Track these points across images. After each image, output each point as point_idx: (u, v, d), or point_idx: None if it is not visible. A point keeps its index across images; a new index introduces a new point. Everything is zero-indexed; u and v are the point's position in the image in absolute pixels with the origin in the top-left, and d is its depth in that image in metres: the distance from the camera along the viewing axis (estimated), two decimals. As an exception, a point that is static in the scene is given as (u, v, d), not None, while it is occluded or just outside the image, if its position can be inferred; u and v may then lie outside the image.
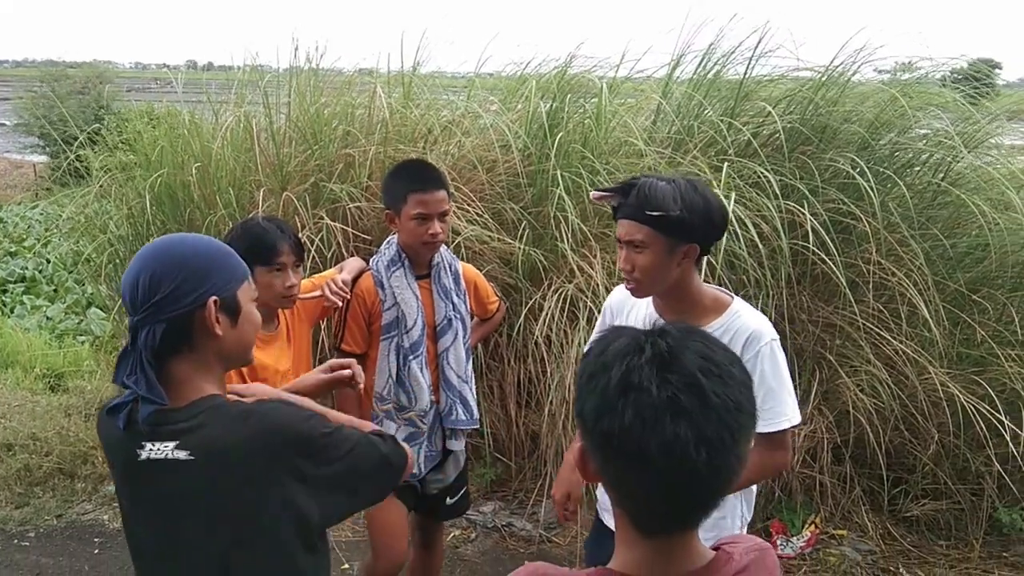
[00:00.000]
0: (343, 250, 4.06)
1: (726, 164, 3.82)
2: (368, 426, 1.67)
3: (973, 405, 3.58)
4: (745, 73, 4.46)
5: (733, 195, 3.62)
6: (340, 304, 2.55)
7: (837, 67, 4.47)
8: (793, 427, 1.96)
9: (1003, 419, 3.52)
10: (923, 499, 3.95)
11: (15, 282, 8.75)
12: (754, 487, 2.22)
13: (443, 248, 2.70)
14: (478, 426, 2.82)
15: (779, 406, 1.94)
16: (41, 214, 10.95)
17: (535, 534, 3.92)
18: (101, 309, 7.19)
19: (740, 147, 4.21)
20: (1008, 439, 3.49)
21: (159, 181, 4.73)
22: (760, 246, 3.61)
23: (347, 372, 1.86)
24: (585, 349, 2.53)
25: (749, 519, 2.24)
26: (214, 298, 1.42)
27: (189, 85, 5.96)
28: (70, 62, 18.41)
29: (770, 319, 3.57)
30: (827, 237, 3.68)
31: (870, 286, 3.84)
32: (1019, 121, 5.20)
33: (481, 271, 3.09)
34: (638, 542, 1.05)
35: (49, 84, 15.43)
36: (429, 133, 4.76)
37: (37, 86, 15.75)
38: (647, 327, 1.07)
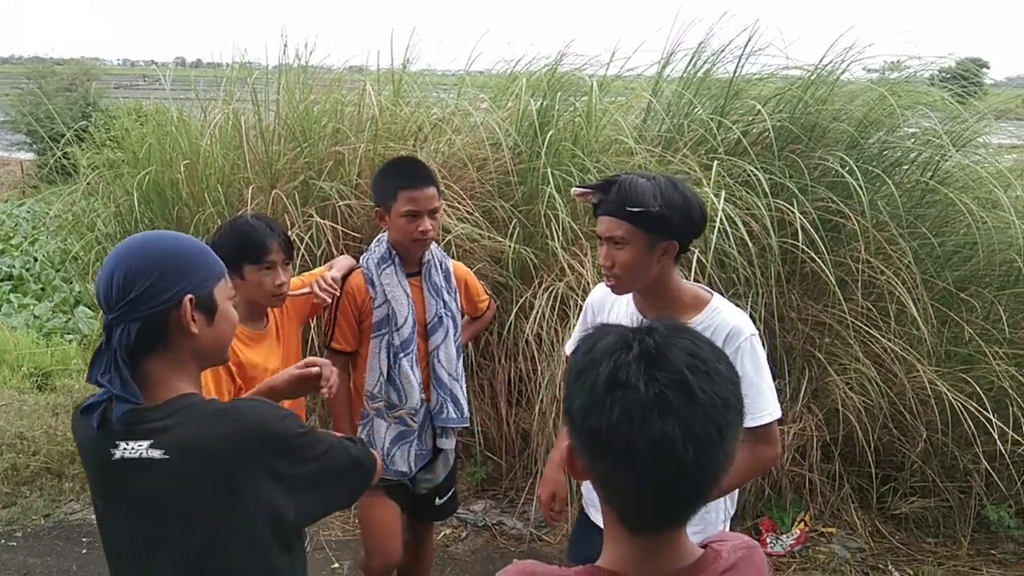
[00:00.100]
0: (333, 248, 4.04)
1: (716, 162, 3.82)
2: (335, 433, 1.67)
3: (961, 403, 3.60)
4: (735, 72, 4.47)
5: (723, 193, 3.62)
6: (329, 301, 2.55)
7: (826, 66, 4.48)
8: (776, 420, 1.98)
9: (991, 417, 3.54)
10: (912, 497, 3.97)
11: (2, 280, 8.68)
12: None
13: (433, 246, 2.69)
14: (468, 424, 2.82)
15: (761, 400, 1.96)
16: (28, 212, 10.88)
17: (526, 532, 3.92)
18: (89, 308, 7.15)
19: (730, 145, 4.22)
20: (996, 437, 3.51)
21: (147, 179, 4.71)
22: (750, 244, 3.62)
23: (314, 370, 1.79)
24: (566, 347, 2.54)
25: (732, 512, 2.26)
26: (190, 296, 1.41)
27: (177, 82, 5.93)
28: (57, 59, 18.30)
29: (760, 317, 3.63)
30: (816, 235, 3.69)
31: (859, 284, 3.85)
32: (1007, 120, 5.23)
33: (471, 269, 3.08)
34: (626, 539, 1.05)
35: (36, 81, 15.32)
36: (419, 131, 4.75)
37: (24, 83, 15.64)
38: (628, 324, 1.07)
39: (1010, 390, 3.63)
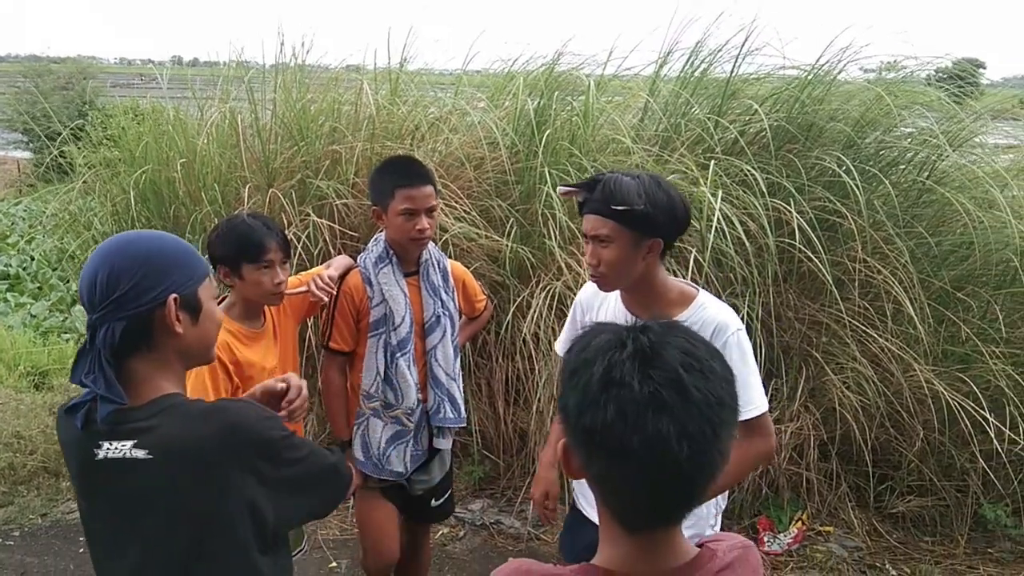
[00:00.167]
0: (330, 247, 4.04)
1: (713, 162, 3.82)
2: None
3: (958, 402, 3.60)
4: (732, 71, 4.47)
5: (720, 193, 3.63)
6: (326, 300, 2.54)
7: (823, 66, 4.49)
8: (765, 412, 2.00)
9: (987, 416, 3.54)
10: (909, 496, 3.97)
11: (-1, 279, 8.67)
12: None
13: (431, 245, 2.69)
14: (466, 424, 2.81)
15: (750, 393, 1.98)
16: (25, 211, 10.85)
17: (523, 531, 3.92)
18: (86, 307, 7.12)
19: (727, 145, 4.22)
20: (992, 436, 3.51)
21: (144, 177, 4.70)
22: (747, 244, 3.62)
23: (280, 387, 1.75)
24: (556, 346, 2.55)
25: (724, 506, 2.28)
26: (174, 296, 1.40)
27: (174, 81, 5.93)
28: (54, 57, 18.26)
29: (757, 317, 3.64)
30: (813, 235, 3.70)
31: (856, 284, 3.86)
32: (1003, 120, 5.24)
33: (469, 268, 3.08)
34: (622, 538, 1.05)
35: (32, 80, 15.28)
36: (416, 130, 4.75)
37: (20, 81, 15.60)
38: (616, 322, 1.07)
39: (1007, 389, 3.64)
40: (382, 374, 2.61)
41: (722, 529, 3.64)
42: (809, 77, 4.45)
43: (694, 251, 3.61)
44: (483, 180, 4.33)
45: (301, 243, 4.01)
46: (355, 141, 4.38)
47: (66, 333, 6.72)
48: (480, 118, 4.51)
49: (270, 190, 4.30)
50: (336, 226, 4.10)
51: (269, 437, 1.43)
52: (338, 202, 4.16)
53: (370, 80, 4.87)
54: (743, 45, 4.44)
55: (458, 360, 2.77)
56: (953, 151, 4.28)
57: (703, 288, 2.14)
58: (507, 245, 3.96)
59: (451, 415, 2.72)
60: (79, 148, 5.75)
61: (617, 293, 2.15)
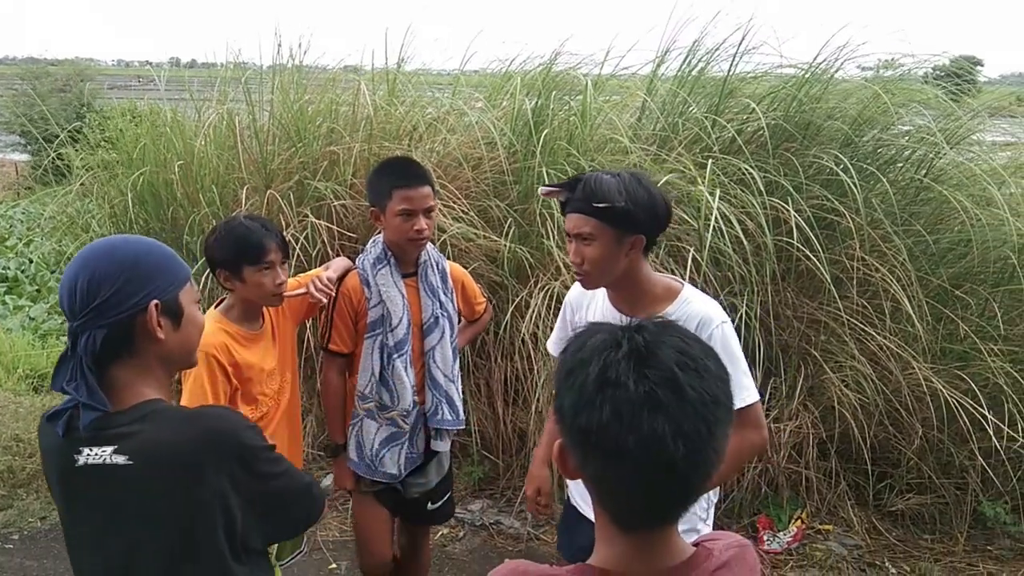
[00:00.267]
0: (328, 248, 4.04)
1: (711, 161, 3.83)
2: None
3: (956, 400, 3.60)
4: (729, 70, 4.48)
5: (718, 192, 3.63)
6: (325, 301, 2.54)
7: (820, 64, 4.49)
8: (755, 403, 2.00)
9: (986, 413, 3.55)
10: (908, 493, 3.98)
11: (-3, 282, 8.65)
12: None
13: (430, 246, 2.68)
14: (464, 426, 2.81)
15: (736, 385, 1.97)
16: (23, 213, 10.83)
17: (523, 532, 3.92)
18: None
19: (725, 144, 4.22)
20: (991, 433, 3.51)
21: (141, 179, 4.71)
22: (745, 243, 3.62)
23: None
24: (548, 345, 2.57)
25: (715, 500, 2.30)
26: (155, 302, 1.40)
27: (172, 82, 5.93)
28: (51, 59, 18.24)
29: (755, 315, 3.64)
30: (811, 233, 3.70)
31: (854, 282, 3.86)
32: (1000, 117, 5.24)
33: (467, 269, 3.08)
34: (618, 538, 1.05)
35: (30, 82, 15.26)
36: (414, 130, 4.75)
37: (18, 84, 15.59)
38: (604, 320, 1.08)
39: (1005, 386, 3.64)
40: (377, 375, 2.60)
41: (721, 527, 3.64)
42: (806, 75, 4.45)
43: (692, 250, 3.62)
44: (481, 180, 4.33)
45: (299, 244, 4.00)
46: (353, 142, 4.38)
47: (65, 336, 6.71)
48: (478, 118, 4.51)
49: (268, 191, 4.30)
50: (334, 227, 4.10)
51: (252, 446, 1.42)
52: (336, 203, 4.16)
53: (367, 81, 4.87)
54: (740, 44, 4.45)
55: (457, 362, 2.76)
56: (951, 149, 4.28)
57: (701, 285, 2.15)
58: (505, 245, 3.96)
59: (449, 417, 2.71)
60: (77, 150, 5.75)
61: (604, 291, 2.17)
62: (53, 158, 6.00)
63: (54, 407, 1.41)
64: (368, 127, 4.50)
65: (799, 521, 3.82)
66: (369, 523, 2.80)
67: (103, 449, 1.35)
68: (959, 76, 5.19)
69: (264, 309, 2.47)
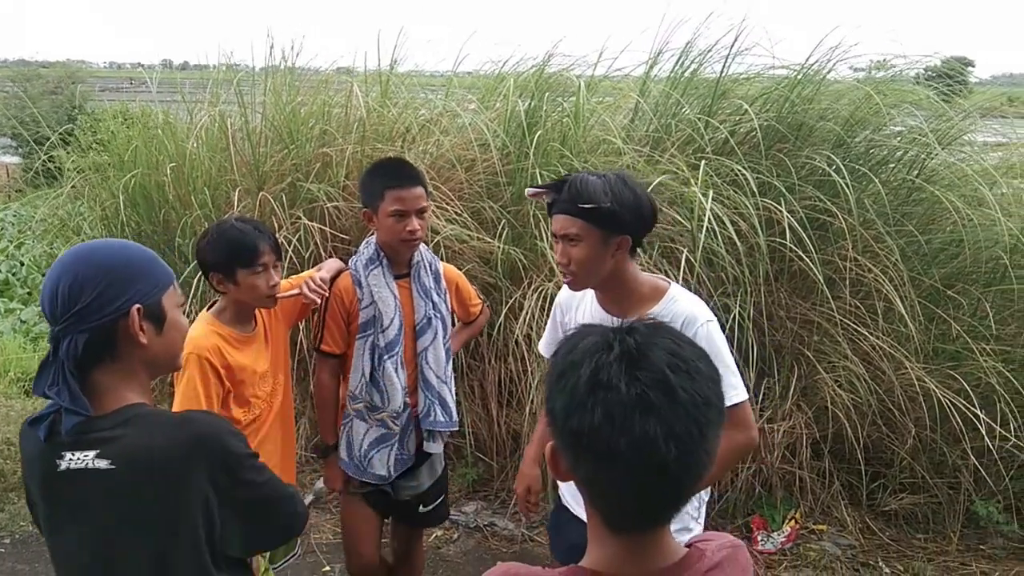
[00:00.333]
0: (321, 250, 4.03)
1: (704, 162, 3.83)
2: None
3: (949, 399, 3.61)
4: (722, 71, 4.49)
5: (711, 193, 3.63)
6: (319, 302, 2.54)
7: (812, 65, 4.50)
8: (743, 402, 2.00)
9: (979, 413, 3.56)
10: (901, 493, 3.98)
11: (-12, 285, 8.61)
12: None
13: (423, 247, 2.68)
14: (457, 428, 2.80)
15: (723, 384, 1.98)
16: (14, 216, 10.78)
17: (517, 533, 3.91)
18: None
19: (717, 145, 4.23)
20: (984, 433, 3.53)
21: (133, 182, 4.69)
22: (738, 243, 3.63)
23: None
24: (539, 346, 2.58)
25: (707, 499, 2.31)
26: (137, 306, 1.39)
27: (164, 84, 5.92)
28: (42, 61, 18.17)
29: (748, 316, 3.64)
30: (804, 234, 3.70)
31: (847, 282, 3.87)
32: (992, 118, 5.26)
33: (461, 270, 3.07)
34: (609, 540, 1.05)
35: (21, 84, 15.20)
36: (407, 132, 4.74)
37: (9, 86, 15.53)
38: (593, 321, 1.08)
39: (997, 386, 3.65)
40: (367, 376, 2.60)
41: (715, 528, 3.65)
42: (799, 77, 4.46)
43: (685, 251, 3.62)
44: (474, 182, 4.32)
45: (292, 246, 4.00)
46: (346, 144, 4.38)
47: (56, 339, 6.68)
48: (471, 120, 4.51)
49: (260, 193, 4.29)
50: (327, 229, 4.09)
51: (237, 452, 1.42)
52: (329, 205, 4.16)
53: (360, 82, 4.86)
54: (733, 45, 4.47)
55: (450, 363, 2.75)
56: (942, 149, 4.30)
57: (694, 286, 2.15)
58: (499, 247, 3.96)
59: (442, 418, 2.70)
60: (68, 153, 5.73)
61: (593, 293, 2.18)
62: (44, 161, 5.97)
63: (36, 412, 1.40)
64: (361, 129, 4.49)
65: (793, 521, 3.83)
66: (356, 524, 2.80)
67: (85, 453, 1.34)
68: (950, 77, 5.22)
69: (256, 311, 2.46)
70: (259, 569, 2.32)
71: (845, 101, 4.56)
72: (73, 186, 5.23)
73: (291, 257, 3.93)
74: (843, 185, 3.79)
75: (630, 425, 0.93)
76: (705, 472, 0.99)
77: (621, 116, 4.85)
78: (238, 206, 4.23)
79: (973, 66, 6.86)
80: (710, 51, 4.60)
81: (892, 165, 4.47)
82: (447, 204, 4.11)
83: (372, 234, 2.66)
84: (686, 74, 4.66)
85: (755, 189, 3.77)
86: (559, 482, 2.46)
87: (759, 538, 3.77)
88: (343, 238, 4.16)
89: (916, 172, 4.27)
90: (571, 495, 2.34)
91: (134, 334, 1.38)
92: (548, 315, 3.75)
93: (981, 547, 3.83)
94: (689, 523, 2.15)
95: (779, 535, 3.78)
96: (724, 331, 3.48)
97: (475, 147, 4.35)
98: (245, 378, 2.34)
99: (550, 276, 3.84)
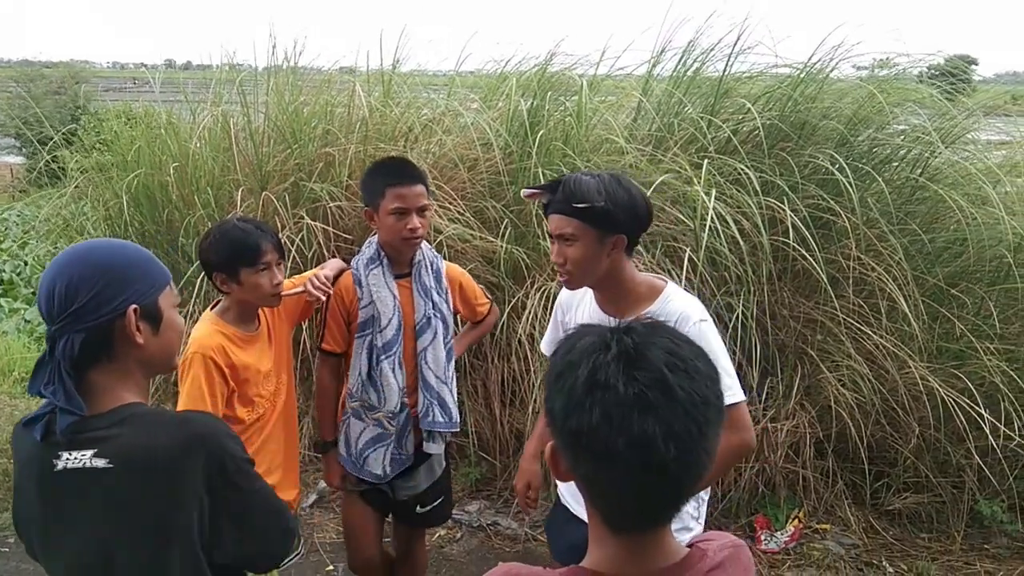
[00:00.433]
0: (324, 250, 4.03)
1: (706, 161, 3.83)
2: None
3: (953, 399, 3.61)
4: (724, 70, 4.48)
5: (713, 192, 3.63)
6: (324, 299, 2.54)
7: (815, 64, 4.49)
8: (739, 403, 1.97)
9: (983, 412, 3.55)
10: (905, 492, 3.98)
11: (-8, 285, 8.63)
12: None
13: (425, 246, 2.67)
14: (458, 429, 2.80)
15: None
16: (18, 216, 10.81)
17: (520, 532, 3.91)
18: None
19: (720, 144, 4.23)
20: (988, 432, 3.52)
21: (136, 181, 4.70)
22: (741, 242, 3.62)
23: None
24: (541, 345, 2.58)
25: (707, 499, 2.31)
26: (134, 306, 1.38)
27: (167, 84, 5.92)
28: (46, 62, 18.22)
29: (752, 315, 3.64)
30: (807, 233, 3.70)
31: (850, 281, 3.86)
32: (995, 116, 5.25)
33: (464, 270, 3.07)
34: (610, 540, 1.05)
35: (24, 84, 15.24)
36: (409, 131, 4.74)
37: (12, 86, 15.56)
38: (591, 321, 1.08)
39: (1001, 385, 3.64)
40: (364, 375, 2.60)
41: (719, 527, 3.65)
42: (801, 75, 4.46)
43: (688, 250, 3.62)
44: (477, 181, 4.32)
45: (295, 246, 4.00)
46: (348, 143, 4.38)
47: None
48: (473, 119, 4.51)
49: (263, 193, 4.30)
50: (330, 229, 4.09)
51: (233, 454, 1.41)
52: (332, 204, 4.16)
53: (363, 82, 4.87)
54: (735, 44, 4.46)
55: (451, 363, 2.74)
56: (946, 148, 4.29)
57: (697, 285, 2.15)
58: (501, 246, 3.96)
59: (441, 419, 2.68)
60: (71, 153, 5.74)
61: (592, 292, 2.19)
62: (48, 161, 5.98)
63: (30, 413, 1.40)
64: (363, 128, 4.50)
65: (796, 521, 3.82)
66: (356, 522, 2.81)
67: (83, 453, 1.34)
68: (954, 75, 5.20)
69: (260, 311, 2.47)
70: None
71: (848, 100, 4.55)
72: (76, 186, 5.24)
73: (294, 257, 3.93)
74: (846, 184, 3.78)
75: (628, 425, 0.93)
76: (705, 471, 0.99)
77: (624, 115, 4.85)
78: (241, 206, 4.23)
79: (976, 64, 6.84)
80: (713, 50, 4.61)
81: (895, 164, 4.46)
82: (450, 203, 4.11)
83: (374, 234, 2.66)
84: (689, 73, 4.65)
85: (758, 188, 3.77)
86: (558, 482, 2.47)
87: (763, 537, 3.77)
88: (346, 238, 4.17)
89: (920, 171, 4.26)
90: (570, 494, 2.34)
91: (131, 334, 1.38)
92: (550, 314, 3.76)
93: (985, 546, 3.82)
94: (689, 523, 2.15)
95: (783, 534, 3.77)
96: (727, 330, 3.51)
97: (478, 146, 4.35)
98: (249, 377, 2.35)
99: (552, 275, 3.84)
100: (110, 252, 1.43)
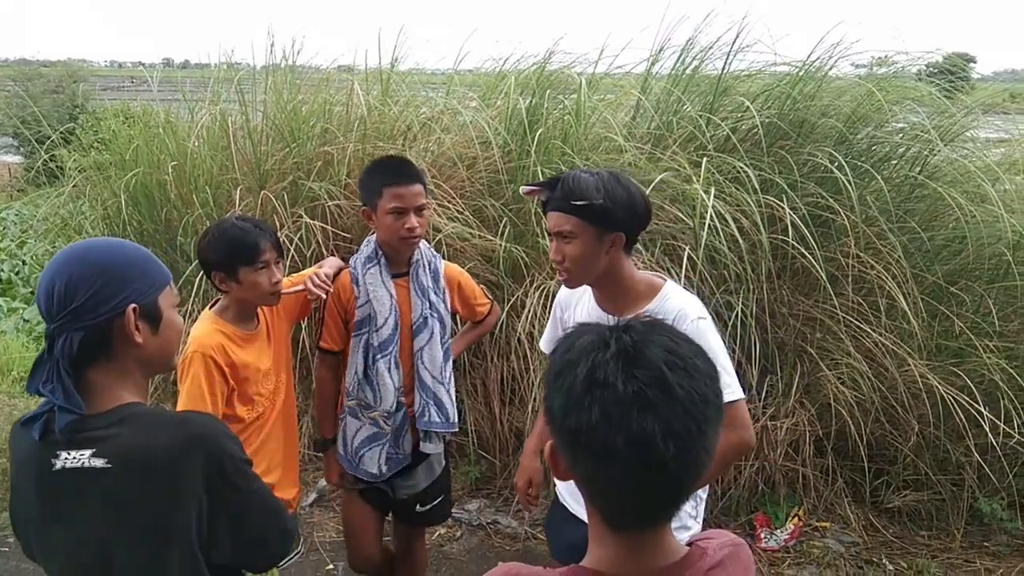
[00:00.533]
0: (323, 249, 4.03)
1: (705, 159, 3.82)
2: None
3: (952, 396, 3.61)
4: (723, 68, 4.48)
5: (712, 190, 3.62)
6: (324, 296, 2.53)
7: (814, 62, 4.49)
8: (737, 400, 1.96)
9: (982, 410, 3.55)
10: (904, 490, 3.98)
11: (-10, 284, 8.62)
12: None
13: (424, 245, 2.67)
14: (455, 429, 2.79)
15: None
16: (16, 215, 10.80)
17: (520, 531, 3.91)
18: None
19: (719, 142, 4.22)
20: (987, 430, 3.52)
21: (134, 180, 4.69)
22: (740, 241, 3.62)
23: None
24: (540, 343, 2.58)
25: (705, 497, 2.30)
26: (133, 306, 1.38)
27: (165, 83, 5.92)
28: (43, 61, 18.19)
29: (751, 313, 3.64)
30: (806, 231, 3.70)
31: (849, 279, 3.86)
32: (994, 114, 5.25)
33: (463, 268, 3.06)
34: (610, 539, 1.04)
35: (22, 83, 15.22)
36: (408, 130, 4.74)
37: (10, 85, 15.54)
38: (590, 319, 1.08)
39: (1000, 383, 3.64)
40: (360, 374, 2.60)
41: (718, 526, 3.65)
42: (800, 73, 4.45)
43: (688, 248, 3.61)
44: (476, 180, 4.32)
45: (294, 245, 4.00)
46: (347, 142, 4.37)
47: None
48: (472, 118, 4.51)
49: (262, 192, 4.29)
50: (328, 227, 4.09)
51: (231, 454, 1.41)
52: (330, 203, 4.15)
53: (361, 80, 4.86)
54: (734, 42, 4.46)
55: (449, 363, 2.73)
56: (944, 146, 4.29)
57: (696, 283, 2.15)
58: (501, 245, 3.95)
59: (437, 419, 2.67)
60: (69, 152, 5.73)
61: (591, 290, 2.19)
62: (46, 160, 5.97)
63: (28, 412, 1.39)
64: (362, 127, 4.49)
65: (796, 519, 3.82)
66: (356, 521, 2.82)
67: (81, 452, 1.34)
68: (952, 73, 5.20)
69: (259, 309, 2.46)
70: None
71: (847, 98, 4.54)
72: (75, 185, 5.24)
73: (293, 256, 3.93)
74: (845, 182, 3.78)
75: (627, 423, 0.93)
76: (704, 470, 0.99)
77: (622, 113, 4.85)
78: (240, 205, 4.22)
79: (975, 62, 6.84)
80: (711, 48, 4.60)
81: (894, 162, 4.46)
82: (448, 202, 4.11)
83: (373, 233, 2.66)
84: (687, 71, 4.65)
85: (757, 186, 3.77)
86: (557, 480, 2.47)
87: (762, 535, 3.77)
88: (345, 236, 4.16)
89: (918, 169, 4.26)
90: (568, 493, 2.34)
91: (129, 333, 1.38)
92: (550, 313, 3.76)
93: (985, 544, 3.83)
94: (687, 521, 2.15)
95: (782, 532, 3.77)
96: (727, 329, 3.51)
97: (476, 145, 4.35)
98: (249, 376, 2.35)
99: (552, 274, 3.83)
100: (109, 251, 1.43)
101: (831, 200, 3.90)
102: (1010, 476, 3.77)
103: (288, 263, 3.73)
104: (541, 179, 3.84)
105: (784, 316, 4.01)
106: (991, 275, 4.06)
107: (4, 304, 7.85)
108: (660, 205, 3.80)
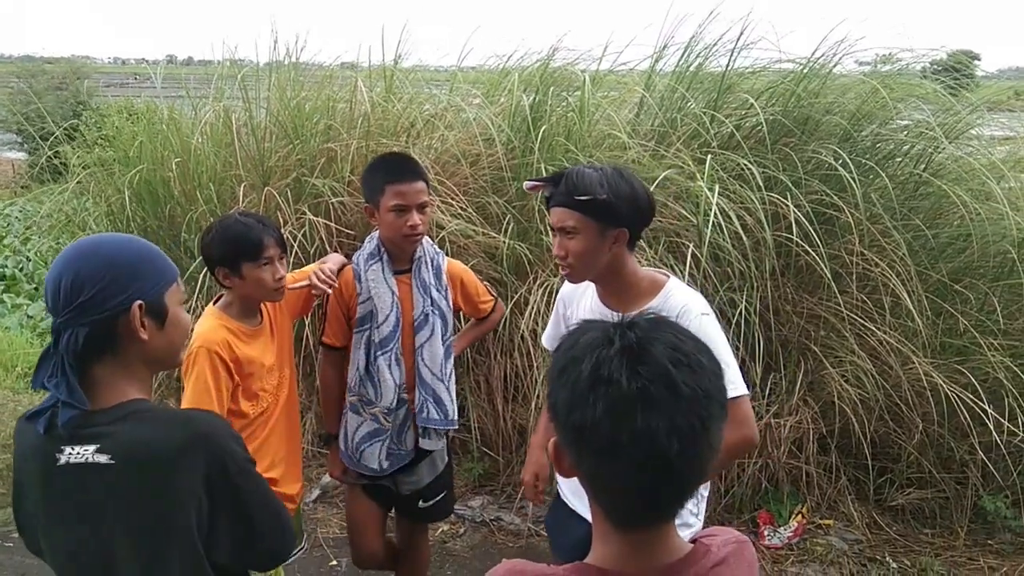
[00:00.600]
0: (326, 246, 4.03)
1: (709, 156, 3.82)
2: None
3: (956, 394, 3.60)
4: (727, 65, 4.47)
5: (717, 187, 3.62)
6: (329, 291, 2.54)
7: (818, 59, 4.48)
8: (741, 396, 1.94)
9: (986, 408, 3.54)
10: (908, 488, 3.97)
11: (-5, 281, 8.64)
12: None
13: (427, 242, 2.67)
14: (455, 427, 2.79)
15: None
16: (20, 211, 10.82)
17: (524, 528, 3.91)
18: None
19: (723, 139, 4.22)
20: (991, 428, 3.51)
21: (138, 177, 4.70)
22: (744, 238, 3.62)
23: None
24: (543, 340, 2.57)
25: (706, 495, 2.30)
26: (139, 302, 1.38)
27: (168, 80, 5.92)
28: (47, 57, 18.20)
29: (755, 311, 3.64)
30: (810, 228, 3.69)
31: (853, 277, 3.85)
32: (999, 112, 5.24)
33: (466, 265, 3.06)
34: (614, 536, 1.04)
35: (26, 80, 15.22)
36: (412, 127, 4.74)
37: (14, 82, 15.55)
38: (592, 316, 1.07)
39: (1005, 381, 3.64)
40: (362, 370, 2.61)
41: (722, 523, 3.64)
42: (804, 71, 4.44)
43: (692, 246, 3.61)
44: (479, 177, 4.32)
45: (297, 241, 4.00)
46: (350, 139, 4.37)
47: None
48: (475, 114, 4.51)
49: (265, 188, 4.30)
50: (332, 224, 4.09)
51: (234, 454, 1.41)
52: (334, 200, 4.16)
53: (365, 77, 4.86)
54: (738, 39, 4.45)
55: (450, 361, 2.72)
56: (949, 143, 4.28)
57: (700, 281, 2.14)
58: (504, 242, 3.95)
59: (436, 416, 2.67)
60: (73, 148, 5.74)
61: (594, 286, 2.18)
62: (50, 156, 5.98)
63: (33, 407, 1.40)
64: (365, 124, 4.49)
65: (800, 516, 3.82)
66: (359, 516, 2.83)
67: (85, 448, 1.34)
68: (957, 71, 5.19)
69: (262, 305, 2.47)
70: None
71: (851, 95, 4.53)
72: (78, 181, 5.24)
73: (296, 252, 3.93)
74: (850, 179, 3.77)
75: (631, 419, 0.93)
76: (708, 466, 0.99)
77: (626, 110, 4.84)
78: (243, 201, 4.23)
79: (980, 60, 6.83)
80: (715, 45, 4.59)
81: (899, 159, 4.45)
82: (452, 199, 4.11)
83: (376, 229, 2.66)
84: (691, 68, 4.64)
85: (761, 183, 3.76)
86: (559, 478, 2.47)
87: (766, 533, 3.77)
88: (348, 233, 4.16)
89: (923, 166, 4.25)
90: (570, 491, 2.33)
91: (135, 330, 1.38)
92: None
93: (989, 542, 3.82)
94: (688, 519, 2.14)
95: (786, 530, 3.77)
96: (731, 326, 3.50)
97: (480, 142, 4.34)
98: (253, 371, 2.35)
99: (555, 271, 3.83)
100: (117, 247, 1.42)
101: (835, 197, 3.90)
102: (1014, 474, 3.77)
103: (291, 259, 3.73)
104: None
105: (788, 313, 4.00)
106: (996, 273, 4.05)
107: (8, 301, 7.86)
108: (664, 202, 3.80)
